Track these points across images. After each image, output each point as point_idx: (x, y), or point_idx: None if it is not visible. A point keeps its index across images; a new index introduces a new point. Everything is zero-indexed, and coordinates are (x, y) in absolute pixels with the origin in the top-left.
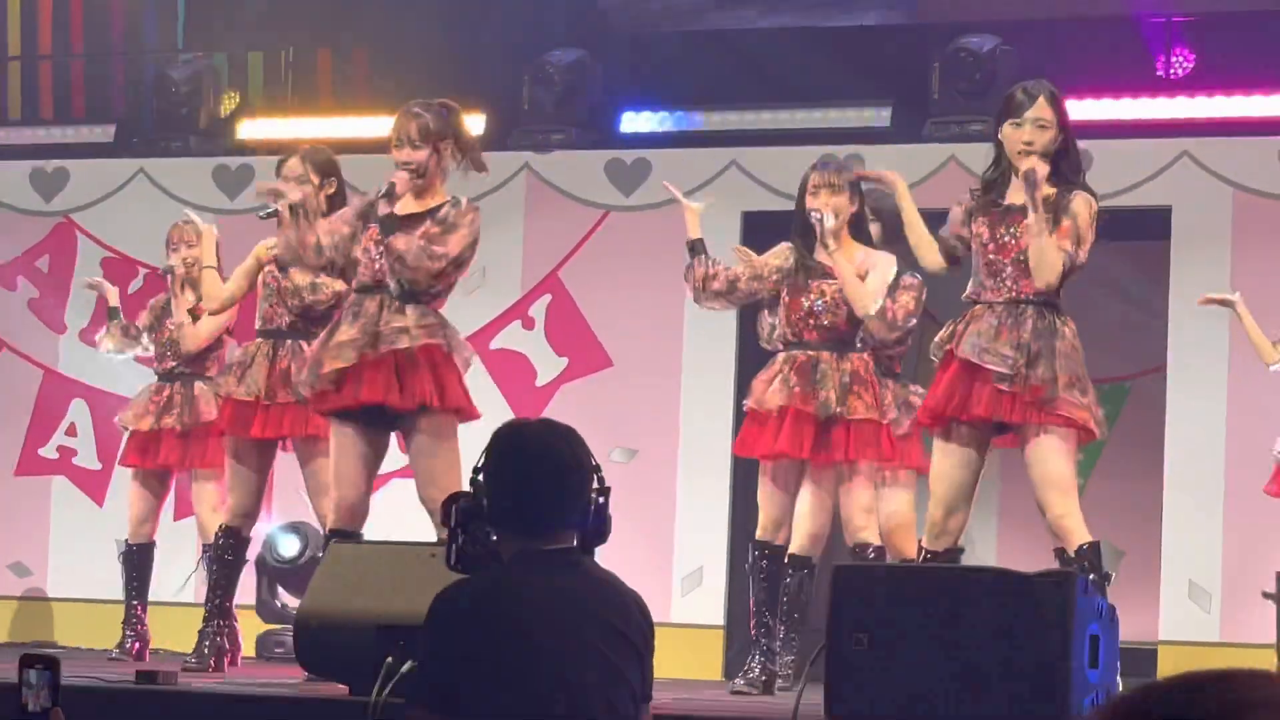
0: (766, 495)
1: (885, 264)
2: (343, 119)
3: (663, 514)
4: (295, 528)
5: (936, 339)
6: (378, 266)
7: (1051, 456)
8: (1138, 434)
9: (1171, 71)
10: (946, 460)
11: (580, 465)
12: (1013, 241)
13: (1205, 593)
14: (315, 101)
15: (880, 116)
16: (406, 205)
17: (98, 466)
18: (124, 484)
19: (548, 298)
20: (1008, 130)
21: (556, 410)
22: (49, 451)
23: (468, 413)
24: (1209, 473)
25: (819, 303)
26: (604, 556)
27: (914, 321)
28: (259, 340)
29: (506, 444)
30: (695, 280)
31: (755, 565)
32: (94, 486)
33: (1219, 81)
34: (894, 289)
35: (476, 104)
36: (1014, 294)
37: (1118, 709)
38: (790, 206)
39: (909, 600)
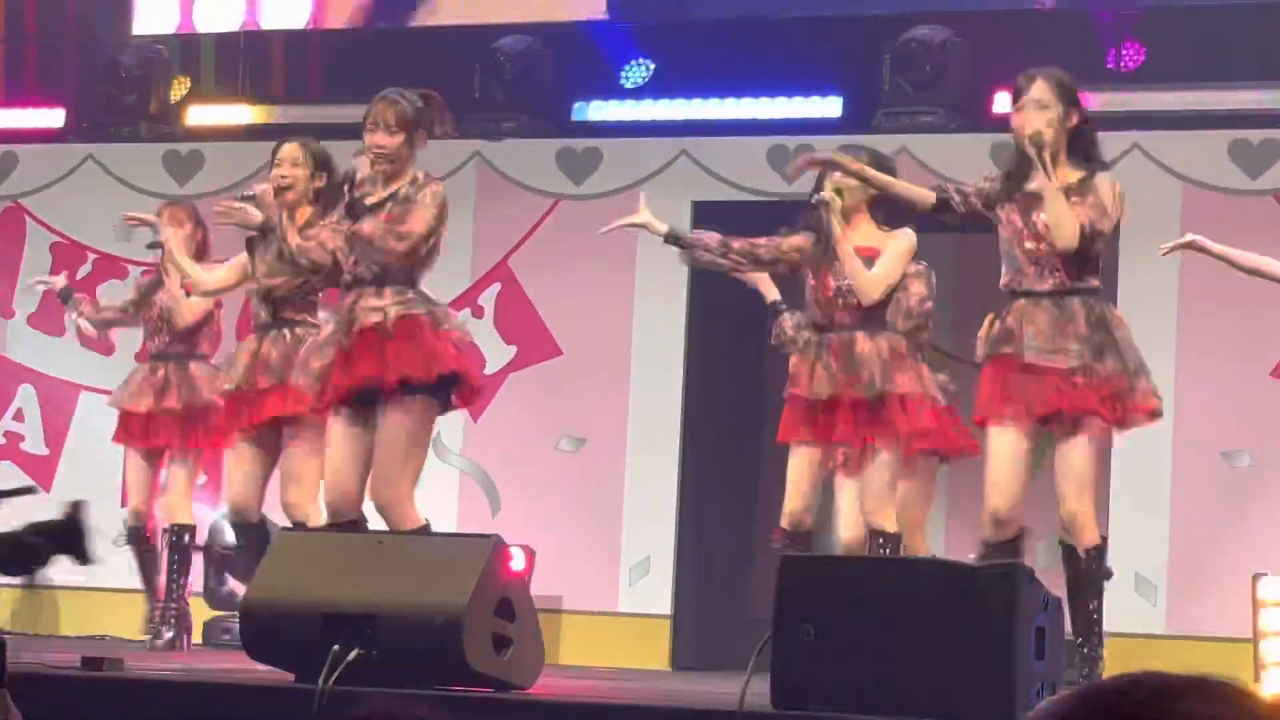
0: (801, 482)
1: (896, 245)
2: (294, 106)
3: (611, 503)
4: None
5: (980, 335)
6: (352, 260)
7: (1077, 451)
8: None
9: (1121, 65)
10: (1005, 450)
11: None
12: (1046, 228)
13: (1151, 585)
14: (267, 88)
15: (831, 107)
16: (376, 194)
17: (45, 452)
18: (71, 470)
19: (497, 286)
20: (1014, 118)
21: (505, 398)
22: None
23: (466, 378)
24: (1155, 465)
25: (846, 283)
26: (553, 546)
27: (929, 305)
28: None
29: None
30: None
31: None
32: (41, 472)
33: (1169, 75)
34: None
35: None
36: (1058, 282)
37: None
38: (739, 197)
39: (855, 591)
